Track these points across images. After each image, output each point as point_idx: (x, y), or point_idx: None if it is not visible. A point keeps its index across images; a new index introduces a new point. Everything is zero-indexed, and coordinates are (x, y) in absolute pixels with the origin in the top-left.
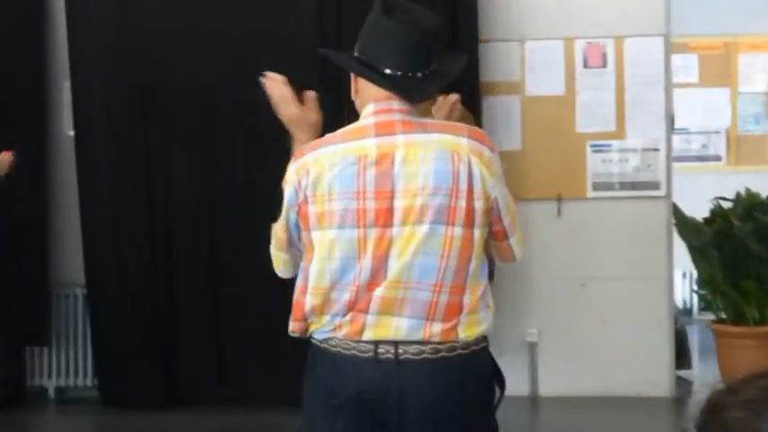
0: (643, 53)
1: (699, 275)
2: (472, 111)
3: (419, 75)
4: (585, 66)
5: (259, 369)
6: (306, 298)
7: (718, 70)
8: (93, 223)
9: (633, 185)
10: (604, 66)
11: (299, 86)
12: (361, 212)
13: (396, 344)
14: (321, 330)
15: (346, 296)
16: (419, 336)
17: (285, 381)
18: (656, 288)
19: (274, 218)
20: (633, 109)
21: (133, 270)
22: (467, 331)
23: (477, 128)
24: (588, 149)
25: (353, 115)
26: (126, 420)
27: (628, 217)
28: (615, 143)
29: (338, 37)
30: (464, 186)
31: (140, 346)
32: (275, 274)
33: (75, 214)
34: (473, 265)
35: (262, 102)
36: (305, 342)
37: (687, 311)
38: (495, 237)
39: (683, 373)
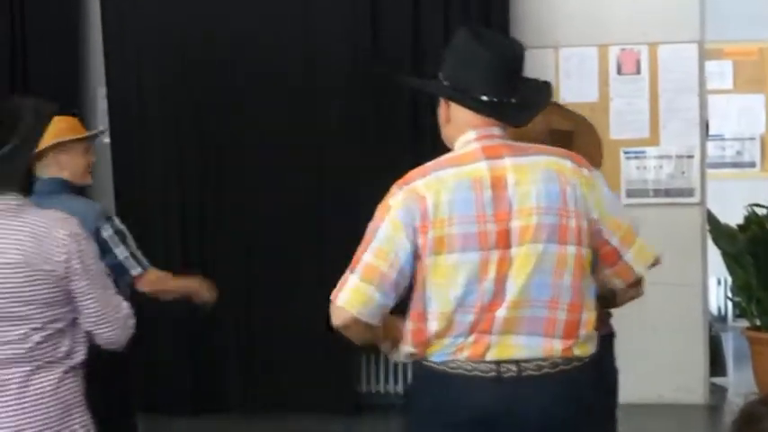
0: (677, 59)
1: (733, 282)
2: None
3: (512, 100)
4: (619, 72)
5: (288, 376)
6: (428, 324)
7: (753, 76)
8: (129, 230)
9: (667, 192)
10: (638, 72)
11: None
12: (483, 235)
13: (517, 362)
14: (441, 353)
15: (469, 318)
16: (540, 353)
17: (314, 388)
18: (690, 295)
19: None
20: (667, 116)
21: None
22: (581, 349)
23: (570, 151)
24: (622, 156)
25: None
26: (154, 427)
27: (662, 224)
28: (649, 150)
29: (373, 46)
30: (572, 206)
31: (166, 351)
32: (305, 283)
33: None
34: (586, 283)
35: (296, 109)
36: (335, 350)
37: (722, 318)
38: (605, 261)
39: (717, 380)
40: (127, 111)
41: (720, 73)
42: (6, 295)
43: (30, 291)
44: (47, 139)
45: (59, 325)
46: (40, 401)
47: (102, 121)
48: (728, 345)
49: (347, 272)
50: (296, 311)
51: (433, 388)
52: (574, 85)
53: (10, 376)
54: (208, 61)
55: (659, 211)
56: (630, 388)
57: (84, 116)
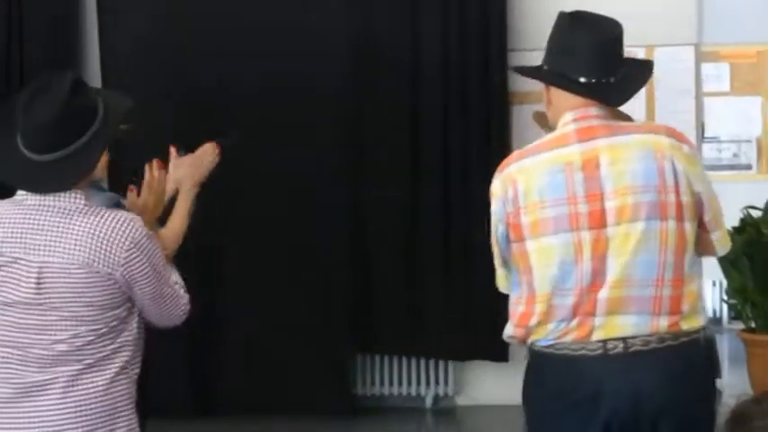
0: (674, 62)
1: (729, 284)
2: (501, 120)
3: (611, 80)
4: None
5: (284, 379)
6: (530, 307)
7: (750, 79)
8: None
9: None
10: None
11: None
12: (574, 216)
13: (624, 339)
14: (546, 338)
15: (570, 300)
16: (647, 330)
17: (310, 391)
18: None
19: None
20: (663, 118)
21: None
22: (689, 323)
23: (674, 127)
24: None
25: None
26: (152, 430)
27: None
28: None
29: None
30: (671, 182)
31: (170, 355)
32: (308, 285)
33: None
34: (688, 257)
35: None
36: (331, 353)
37: (717, 321)
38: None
39: None
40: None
41: (717, 75)
42: (66, 296)
43: (90, 293)
44: None
45: (114, 323)
46: (87, 402)
47: None
48: (723, 347)
49: None
50: (293, 314)
51: (544, 371)
52: None
53: (57, 375)
54: (205, 59)
55: None
56: None
57: None
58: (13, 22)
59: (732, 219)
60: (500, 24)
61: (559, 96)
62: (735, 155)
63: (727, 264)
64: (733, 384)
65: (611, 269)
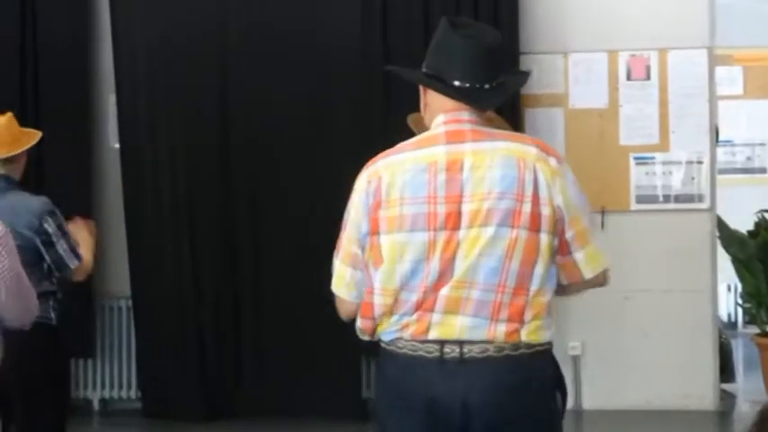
0: (687, 65)
1: (743, 288)
2: (513, 123)
3: (486, 86)
4: (629, 78)
5: (301, 383)
6: (375, 298)
7: (763, 82)
8: (139, 235)
9: (677, 198)
10: (648, 78)
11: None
12: (432, 216)
13: (461, 343)
14: (389, 331)
15: (414, 297)
16: (483, 335)
17: (327, 394)
18: (699, 301)
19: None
20: (677, 121)
21: (178, 283)
22: (530, 336)
23: (539, 138)
24: (632, 162)
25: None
26: None
27: (671, 230)
28: (659, 156)
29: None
30: (529, 192)
31: (184, 358)
32: (318, 288)
33: (121, 226)
34: (539, 269)
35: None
36: (348, 356)
37: (732, 325)
38: (559, 251)
39: (727, 386)
40: (135, 116)
41: (730, 79)
42: None
43: None
44: (28, 142)
45: None
46: None
47: (112, 127)
48: (738, 351)
49: (334, 258)
50: (304, 318)
51: (385, 368)
52: (583, 90)
53: None
54: (216, 68)
55: (669, 217)
56: (639, 394)
57: (96, 123)
58: (27, 42)
59: (746, 222)
60: (511, 27)
61: (435, 99)
62: (748, 158)
63: (741, 267)
64: (748, 389)
65: (457, 269)
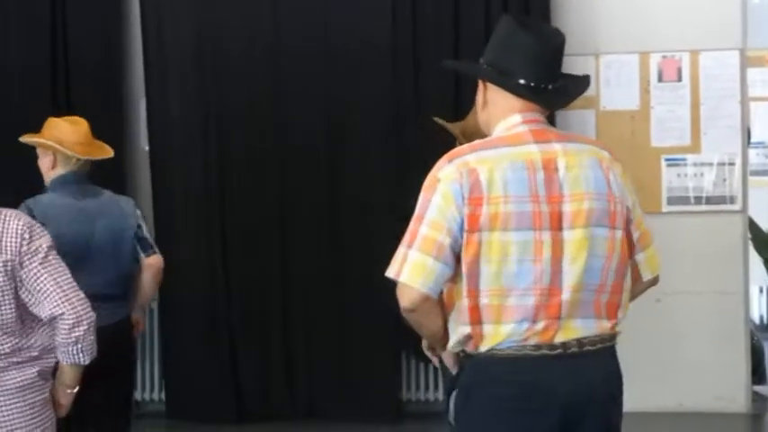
0: (719, 67)
1: None
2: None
3: (549, 87)
4: (660, 80)
5: (329, 384)
6: (481, 300)
7: None
8: (167, 236)
9: (708, 200)
10: (679, 80)
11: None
12: (537, 215)
13: (578, 340)
14: (507, 341)
15: (530, 301)
16: (595, 331)
17: (357, 396)
18: (731, 303)
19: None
20: (708, 123)
21: (205, 284)
22: (620, 327)
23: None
24: (663, 164)
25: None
26: None
27: (703, 232)
28: (690, 157)
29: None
30: (616, 192)
31: (210, 360)
32: (345, 289)
33: (150, 228)
34: (626, 266)
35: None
36: (377, 357)
37: (764, 327)
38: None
39: (759, 388)
40: (165, 119)
41: (763, 80)
42: None
43: None
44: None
45: None
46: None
47: (143, 130)
48: None
49: (402, 248)
50: (338, 319)
51: (501, 372)
52: (614, 92)
53: None
54: (245, 71)
55: (700, 218)
56: (671, 396)
57: (128, 127)
58: (58, 47)
59: None
60: None
61: (500, 96)
62: None
63: None
64: None
65: (569, 273)
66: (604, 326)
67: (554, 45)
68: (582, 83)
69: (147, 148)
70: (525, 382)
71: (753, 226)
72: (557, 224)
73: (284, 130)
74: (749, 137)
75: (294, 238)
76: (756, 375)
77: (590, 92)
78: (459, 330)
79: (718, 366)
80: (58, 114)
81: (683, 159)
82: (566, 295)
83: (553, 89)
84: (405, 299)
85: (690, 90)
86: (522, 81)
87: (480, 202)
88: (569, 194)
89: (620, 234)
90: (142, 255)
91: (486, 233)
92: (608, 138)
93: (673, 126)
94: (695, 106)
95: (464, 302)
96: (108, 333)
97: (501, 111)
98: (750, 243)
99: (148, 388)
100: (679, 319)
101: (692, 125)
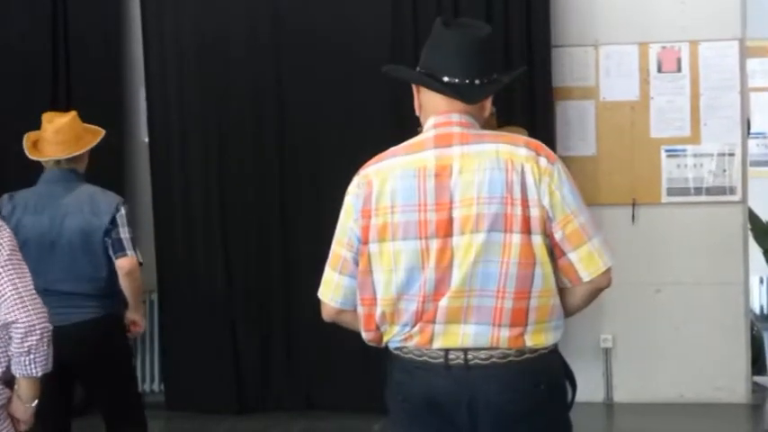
0: (718, 57)
1: None
2: (545, 115)
3: (476, 82)
4: (660, 70)
5: (331, 375)
6: (376, 309)
7: None
8: (167, 228)
9: (708, 190)
10: (679, 70)
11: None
12: (423, 224)
13: (465, 350)
14: (393, 340)
15: (413, 306)
16: (486, 342)
17: (357, 387)
18: (731, 294)
19: None
20: (708, 113)
21: (205, 276)
22: (534, 339)
23: (533, 139)
24: (663, 154)
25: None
26: (193, 426)
27: (703, 222)
28: (690, 148)
29: (415, 42)
30: (518, 195)
31: (210, 351)
32: None
33: (149, 219)
34: (539, 271)
35: (339, 108)
36: (376, 349)
37: (764, 317)
38: (555, 253)
39: (759, 379)
40: (165, 109)
41: (762, 71)
42: None
43: None
44: (92, 141)
45: None
46: None
47: (143, 122)
48: None
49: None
50: None
51: (393, 372)
52: (614, 83)
53: None
54: (246, 62)
55: (700, 209)
56: (671, 386)
57: (127, 116)
58: (59, 37)
59: None
60: (543, 20)
61: (428, 99)
62: None
63: None
64: None
65: (454, 278)
66: (502, 335)
67: (477, 39)
68: (509, 76)
69: (146, 139)
70: (404, 382)
71: (753, 217)
72: (446, 231)
73: (287, 124)
74: (749, 127)
75: (295, 230)
76: (756, 366)
77: (590, 83)
78: (363, 335)
79: (718, 357)
80: (57, 108)
81: (683, 150)
82: (444, 300)
83: (481, 84)
84: (323, 313)
85: (689, 81)
86: (445, 79)
87: (370, 214)
88: (459, 200)
89: (518, 238)
90: (113, 256)
91: (375, 244)
92: (608, 128)
93: (672, 117)
94: (695, 97)
95: (359, 310)
96: (78, 330)
97: (430, 112)
98: (750, 234)
99: (148, 379)
100: (679, 309)
101: (691, 116)
